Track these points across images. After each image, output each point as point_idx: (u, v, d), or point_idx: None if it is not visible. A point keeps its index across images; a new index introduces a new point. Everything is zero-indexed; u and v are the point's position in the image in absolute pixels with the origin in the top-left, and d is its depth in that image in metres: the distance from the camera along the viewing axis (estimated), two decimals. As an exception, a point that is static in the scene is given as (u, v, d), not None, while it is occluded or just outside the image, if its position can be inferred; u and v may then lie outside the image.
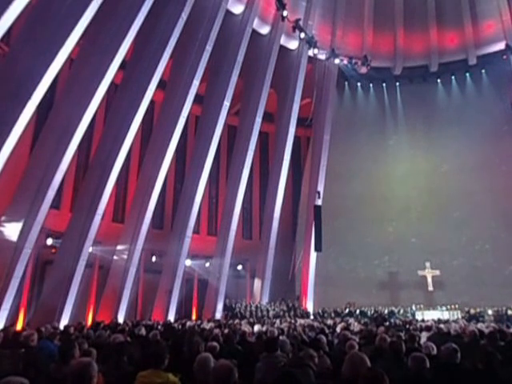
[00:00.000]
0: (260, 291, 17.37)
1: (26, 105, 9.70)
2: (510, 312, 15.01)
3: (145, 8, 12.28)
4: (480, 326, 8.02)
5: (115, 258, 13.82)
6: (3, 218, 10.56)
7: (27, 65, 9.77)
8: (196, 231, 16.84)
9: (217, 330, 5.92)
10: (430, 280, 17.19)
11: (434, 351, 3.84)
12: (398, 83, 21.27)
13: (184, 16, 13.78)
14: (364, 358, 2.52)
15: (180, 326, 9.17)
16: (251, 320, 12.87)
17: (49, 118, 11.85)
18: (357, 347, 3.52)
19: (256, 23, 17.45)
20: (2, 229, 10.48)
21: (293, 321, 11.86)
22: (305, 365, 2.98)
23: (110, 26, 11.96)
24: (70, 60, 11.79)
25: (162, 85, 14.45)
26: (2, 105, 9.61)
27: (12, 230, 10.43)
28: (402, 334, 5.32)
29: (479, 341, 4.64)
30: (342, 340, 4.38)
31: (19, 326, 10.29)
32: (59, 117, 11.50)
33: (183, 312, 16.05)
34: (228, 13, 16.24)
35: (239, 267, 18.42)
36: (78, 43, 11.13)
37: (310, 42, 18.76)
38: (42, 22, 10.26)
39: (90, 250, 12.37)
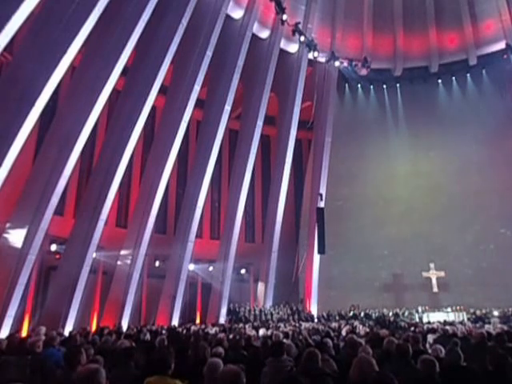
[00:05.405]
0: (264, 295, 17.30)
1: (29, 112, 9.79)
2: (516, 313, 14.85)
3: (146, 14, 12.40)
4: (487, 327, 7.95)
5: (119, 263, 13.82)
6: (8, 225, 10.61)
7: (30, 73, 9.87)
8: (199, 235, 16.83)
9: (222, 335, 5.89)
10: (434, 281, 17.06)
11: (443, 354, 3.81)
12: (398, 84, 21.28)
13: (184, 22, 13.89)
14: (372, 362, 2.51)
15: (184, 331, 9.15)
16: (255, 324, 12.81)
17: (52, 125, 11.94)
18: (371, 352, 3.46)
19: (256, 27, 17.57)
20: (7, 235, 10.53)
21: (297, 324, 11.81)
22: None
23: (111, 33, 12.07)
24: (72, 68, 11.90)
25: (163, 90, 14.54)
26: (7, 112, 9.70)
27: (16, 237, 10.48)
28: (408, 337, 5.26)
29: (487, 343, 4.60)
30: (349, 343, 4.34)
31: (24, 333, 10.28)
32: (62, 123, 11.59)
33: (187, 316, 16.00)
34: (228, 18, 16.36)
35: (242, 271, 18.37)
36: (80, 51, 11.24)
37: (310, 45, 18.85)
38: (44, 30, 10.38)
39: (94, 255, 12.39)
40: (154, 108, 14.75)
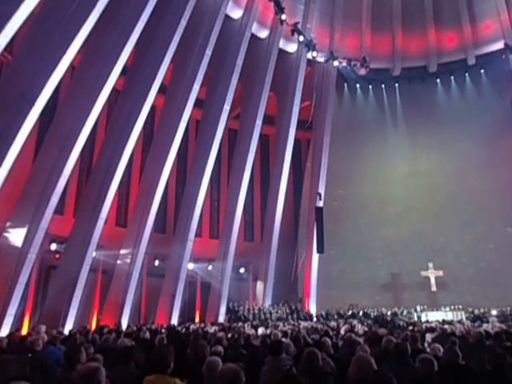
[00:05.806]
0: (262, 294, 17.35)
1: (29, 112, 9.80)
2: (514, 312, 14.91)
3: (145, 14, 12.40)
4: (486, 326, 7.99)
5: (118, 262, 13.85)
6: (8, 224, 10.63)
7: (30, 73, 9.88)
8: (198, 234, 16.85)
9: (221, 334, 5.92)
10: (433, 281, 17.13)
11: (441, 353, 3.84)
12: (397, 84, 21.32)
13: (184, 22, 13.89)
14: (370, 361, 2.53)
15: (184, 330, 9.18)
16: (254, 323, 12.84)
17: (51, 125, 11.94)
18: (368, 351, 3.50)
19: (255, 27, 17.57)
20: (7, 235, 10.55)
21: (296, 323, 11.85)
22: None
23: (111, 33, 12.07)
24: (72, 67, 11.90)
25: (162, 89, 14.54)
26: (7, 112, 9.70)
27: (16, 236, 10.49)
28: (407, 336, 5.29)
29: (485, 342, 4.63)
30: (347, 342, 4.37)
31: (24, 331, 10.29)
32: (62, 123, 11.59)
33: (186, 315, 16.03)
34: (227, 17, 16.36)
35: (241, 270, 18.40)
36: (79, 51, 11.24)
37: (309, 45, 18.86)
38: (44, 30, 10.37)
39: (94, 254, 12.41)
40: (153, 107, 14.76)
